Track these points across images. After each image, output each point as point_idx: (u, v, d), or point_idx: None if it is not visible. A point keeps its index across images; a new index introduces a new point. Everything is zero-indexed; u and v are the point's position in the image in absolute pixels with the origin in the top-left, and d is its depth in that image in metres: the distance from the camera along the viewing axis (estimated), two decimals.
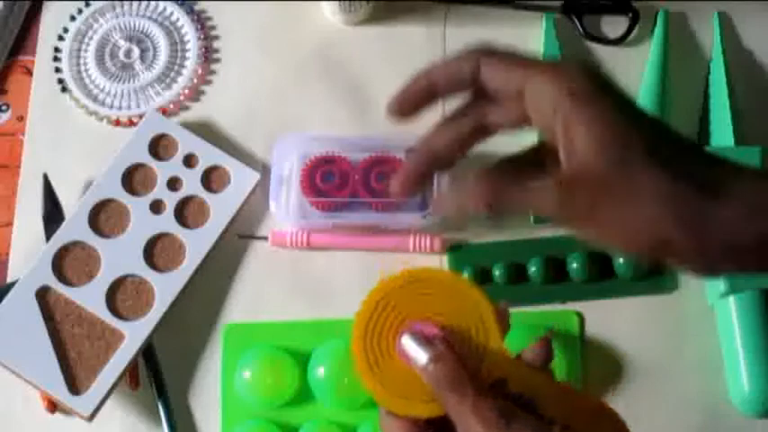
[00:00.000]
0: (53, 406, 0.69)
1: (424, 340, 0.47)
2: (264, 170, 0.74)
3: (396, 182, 0.49)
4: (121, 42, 0.80)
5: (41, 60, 0.79)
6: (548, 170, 0.46)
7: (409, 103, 0.48)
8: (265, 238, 0.72)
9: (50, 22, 0.81)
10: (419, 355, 0.47)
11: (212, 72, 0.78)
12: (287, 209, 0.72)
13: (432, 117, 0.72)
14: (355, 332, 0.49)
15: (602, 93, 0.44)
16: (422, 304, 0.49)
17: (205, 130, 0.76)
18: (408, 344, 0.47)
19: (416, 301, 0.49)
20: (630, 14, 0.77)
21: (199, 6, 0.80)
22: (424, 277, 0.49)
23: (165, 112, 0.77)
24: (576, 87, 0.43)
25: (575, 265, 0.70)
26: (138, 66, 0.79)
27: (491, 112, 0.47)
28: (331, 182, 0.72)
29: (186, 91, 0.77)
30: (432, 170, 0.49)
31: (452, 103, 0.74)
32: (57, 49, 0.79)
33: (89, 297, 0.70)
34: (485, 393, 0.44)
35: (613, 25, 0.78)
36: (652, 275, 0.70)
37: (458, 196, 0.47)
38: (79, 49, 0.80)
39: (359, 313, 0.49)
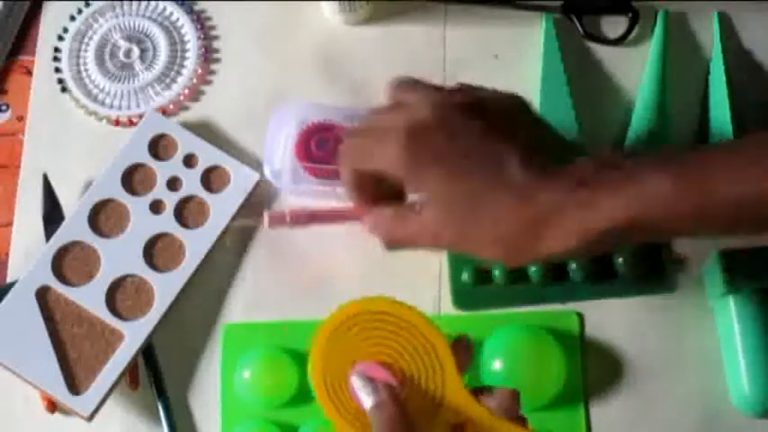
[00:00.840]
0: (53, 406, 0.69)
1: (370, 385, 0.48)
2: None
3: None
4: (121, 42, 0.80)
5: (41, 60, 0.79)
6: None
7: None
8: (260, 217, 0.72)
9: (50, 22, 0.81)
10: (364, 398, 0.48)
11: (212, 72, 0.78)
12: (280, 173, 0.72)
13: None
14: (313, 360, 0.49)
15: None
16: (376, 340, 0.49)
17: (205, 130, 0.76)
18: (356, 385, 0.49)
19: (370, 336, 0.49)
20: (630, 14, 0.77)
21: (199, 6, 0.80)
22: (382, 309, 0.49)
23: (164, 112, 0.77)
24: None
25: (575, 265, 0.70)
26: (137, 66, 0.79)
27: None
28: (326, 149, 0.72)
29: (186, 91, 0.77)
30: None
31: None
32: (56, 50, 0.79)
33: (89, 297, 0.70)
34: None
35: (613, 25, 0.78)
36: (652, 275, 0.70)
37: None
38: (79, 49, 0.80)
39: (316, 340, 0.49)
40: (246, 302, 0.71)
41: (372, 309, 0.49)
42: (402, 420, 0.47)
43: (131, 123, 0.77)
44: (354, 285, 0.71)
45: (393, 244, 0.56)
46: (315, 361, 0.49)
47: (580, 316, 0.70)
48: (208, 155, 0.74)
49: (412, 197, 0.56)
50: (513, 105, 0.55)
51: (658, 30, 0.76)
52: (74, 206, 0.73)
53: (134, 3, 0.81)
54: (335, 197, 0.71)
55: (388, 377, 0.48)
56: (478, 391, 0.49)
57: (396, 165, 0.52)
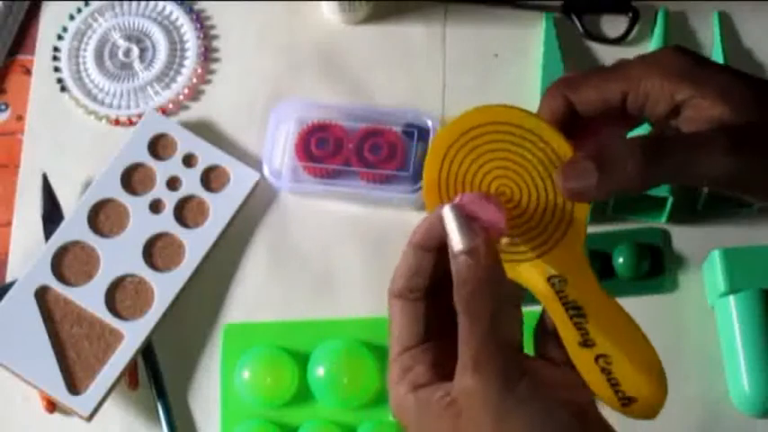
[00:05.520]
0: (52, 406, 0.69)
1: (466, 224, 0.40)
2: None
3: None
4: (121, 42, 0.79)
5: (40, 60, 0.79)
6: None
7: None
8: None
9: (49, 21, 0.80)
10: (454, 238, 0.40)
11: (212, 72, 0.78)
12: (279, 172, 0.72)
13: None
14: (427, 173, 0.42)
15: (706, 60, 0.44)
16: (504, 152, 0.41)
17: (204, 130, 0.76)
18: (448, 219, 0.40)
19: (498, 146, 0.41)
20: (630, 14, 0.77)
21: (198, 6, 0.80)
22: (512, 120, 0.41)
23: (164, 111, 0.77)
24: (695, 59, 0.44)
25: None
26: (137, 65, 0.79)
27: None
28: (325, 148, 0.72)
29: (186, 90, 0.77)
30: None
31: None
32: (56, 49, 0.79)
33: (88, 297, 0.70)
34: (497, 341, 0.38)
35: (613, 24, 0.77)
36: (652, 275, 0.70)
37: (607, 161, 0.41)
38: (78, 49, 0.80)
39: (431, 149, 0.42)
40: (246, 302, 0.71)
41: (502, 119, 0.41)
42: (492, 282, 0.39)
43: (131, 123, 0.77)
44: (355, 285, 0.71)
45: None
46: (429, 179, 0.42)
47: None
48: (207, 154, 0.74)
49: None
50: None
51: (658, 29, 0.76)
52: (73, 206, 0.73)
53: (133, 2, 0.80)
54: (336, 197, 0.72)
55: (497, 216, 0.40)
56: None
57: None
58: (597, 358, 0.41)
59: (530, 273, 0.42)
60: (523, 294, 0.42)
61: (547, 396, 0.39)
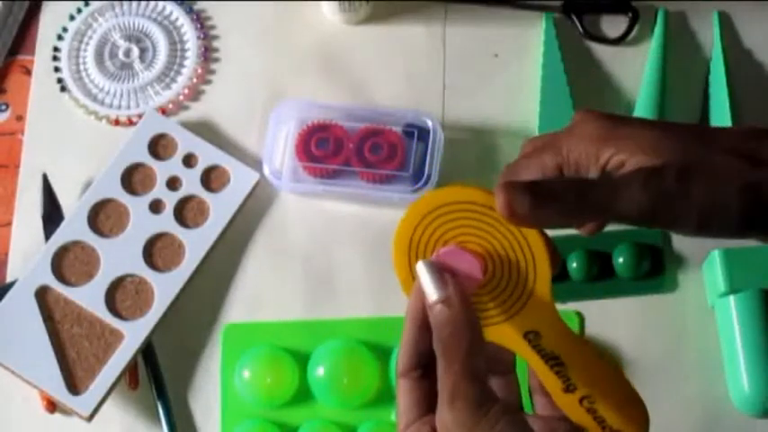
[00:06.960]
0: (52, 406, 0.69)
1: (439, 276, 0.43)
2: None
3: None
4: (121, 42, 0.79)
5: (40, 60, 0.79)
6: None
7: None
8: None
9: (49, 21, 0.80)
10: (429, 290, 0.43)
11: (212, 72, 0.78)
12: (279, 172, 0.72)
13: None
14: (397, 243, 0.44)
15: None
16: (468, 228, 0.44)
17: (205, 130, 0.76)
18: (422, 274, 0.43)
19: (463, 223, 0.43)
20: (630, 14, 0.77)
21: (198, 6, 0.80)
22: (475, 199, 0.43)
23: (164, 111, 0.77)
24: (611, 120, 0.48)
25: (575, 264, 0.70)
26: (137, 65, 0.79)
27: None
28: (325, 148, 0.72)
29: (186, 90, 0.77)
30: None
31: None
32: (56, 49, 0.79)
33: (88, 297, 0.70)
34: (471, 374, 0.41)
35: (613, 24, 0.77)
36: (652, 275, 0.70)
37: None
38: (78, 49, 0.80)
39: (402, 223, 0.45)
40: (246, 302, 0.71)
41: (474, 198, 0.43)
42: (466, 324, 0.42)
43: (131, 123, 0.77)
44: (355, 285, 0.71)
45: None
46: (400, 248, 0.44)
47: (580, 316, 0.70)
48: (207, 154, 0.74)
49: None
50: None
51: (658, 29, 0.76)
52: (73, 206, 0.73)
53: (133, 2, 0.80)
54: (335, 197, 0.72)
55: (473, 268, 0.43)
56: None
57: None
58: (581, 400, 0.44)
59: (506, 333, 0.45)
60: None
61: (517, 415, 0.41)
